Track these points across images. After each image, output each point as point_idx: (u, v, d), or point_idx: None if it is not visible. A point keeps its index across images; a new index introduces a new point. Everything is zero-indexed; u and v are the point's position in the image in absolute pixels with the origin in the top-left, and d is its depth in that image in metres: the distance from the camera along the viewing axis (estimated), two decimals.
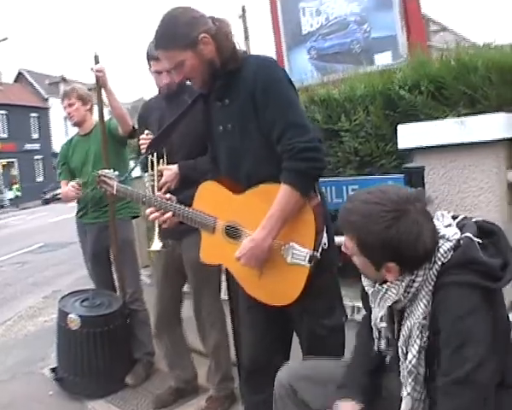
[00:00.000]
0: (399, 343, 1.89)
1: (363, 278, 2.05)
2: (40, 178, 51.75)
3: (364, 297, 2.14)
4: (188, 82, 3.40)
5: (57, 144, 45.35)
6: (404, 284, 1.82)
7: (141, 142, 3.41)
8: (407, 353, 1.85)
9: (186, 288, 3.73)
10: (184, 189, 3.05)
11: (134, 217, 4.59)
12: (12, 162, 48.86)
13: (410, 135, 3.10)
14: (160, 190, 3.24)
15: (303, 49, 7.33)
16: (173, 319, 3.75)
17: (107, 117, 4.30)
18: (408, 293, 1.83)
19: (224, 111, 2.56)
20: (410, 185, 2.98)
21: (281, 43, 7.57)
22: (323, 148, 2.41)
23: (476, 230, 1.84)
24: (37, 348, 5.45)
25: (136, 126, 3.84)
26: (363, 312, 2.27)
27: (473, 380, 1.61)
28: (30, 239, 16.29)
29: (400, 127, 3.14)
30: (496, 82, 3.15)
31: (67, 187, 4.24)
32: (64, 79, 52.02)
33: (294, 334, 2.75)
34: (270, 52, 7.47)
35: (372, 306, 2.04)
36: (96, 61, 3.95)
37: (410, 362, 1.82)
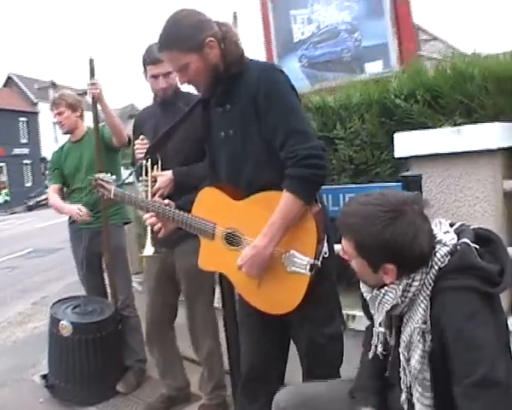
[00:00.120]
0: (401, 349, 1.88)
1: (361, 285, 2.04)
2: (29, 183, 51.47)
3: (365, 306, 2.13)
4: (182, 89, 3.43)
5: (46, 149, 45.32)
6: (401, 287, 1.81)
7: (136, 147, 3.39)
8: (409, 359, 1.84)
9: (181, 297, 3.70)
10: (182, 194, 3.03)
11: (125, 223, 4.57)
12: (0, 167, 48.61)
13: (406, 143, 3.09)
14: (153, 196, 3.22)
15: (294, 57, 7.31)
16: (165, 327, 3.73)
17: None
18: (405, 297, 1.82)
19: (225, 117, 2.54)
20: None
21: (271, 51, 7.55)
22: (326, 155, 2.39)
23: (473, 236, 1.85)
24: (26, 355, 5.40)
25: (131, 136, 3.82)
26: (357, 321, 2.26)
27: (490, 380, 1.61)
28: (19, 244, 16.18)
29: (397, 136, 3.14)
30: (492, 91, 3.17)
31: (74, 207, 4.22)
32: (53, 84, 51.97)
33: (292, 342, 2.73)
34: (261, 59, 7.44)
35: (372, 312, 2.04)
36: (91, 65, 3.91)
37: (415, 368, 1.81)
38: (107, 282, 4.51)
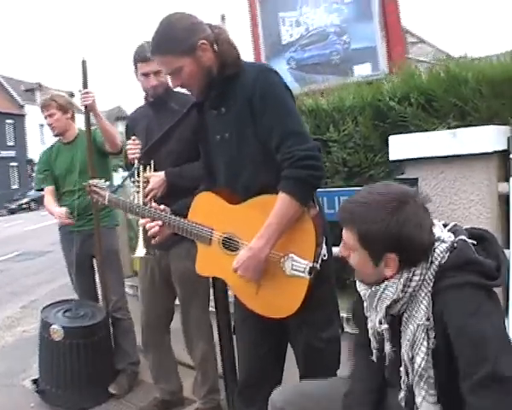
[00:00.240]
0: (404, 349, 1.86)
1: (358, 284, 2.02)
2: (15, 186, 51.18)
3: (357, 309, 2.11)
4: (174, 89, 3.42)
5: (33, 152, 45.10)
6: (402, 280, 1.81)
7: (128, 147, 3.37)
8: (413, 357, 1.83)
9: (177, 301, 3.67)
10: (175, 195, 3.01)
11: (116, 225, 4.54)
12: None
13: (402, 146, 3.10)
14: (145, 196, 3.21)
15: (282, 60, 7.33)
16: (161, 330, 3.70)
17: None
18: (405, 292, 1.81)
19: (220, 120, 2.52)
20: None
21: (260, 53, 7.56)
22: (322, 156, 2.38)
23: (468, 235, 1.86)
24: (16, 360, 5.33)
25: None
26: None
27: (498, 375, 1.60)
28: (7, 247, 16.02)
29: (392, 138, 3.14)
30: (486, 94, 3.18)
31: (59, 210, 4.19)
32: (40, 86, 51.72)
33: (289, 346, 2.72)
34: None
35: (368, 314, 2.02)
36: (84, 67, 3.86)
37: (420, 366, 1.80)
38: (98, 285, 4.47)
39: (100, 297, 4.49)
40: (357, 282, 2.03)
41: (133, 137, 3.37)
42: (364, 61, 6.56)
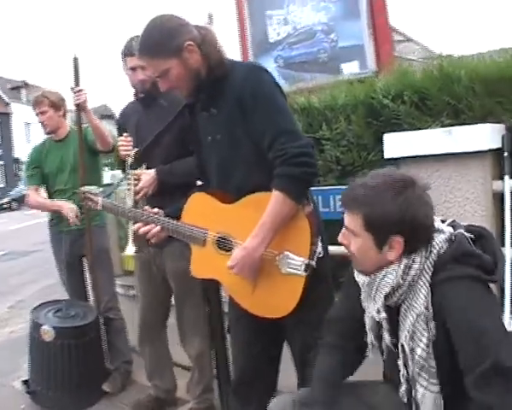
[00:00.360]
0: (403, 341, 1.85)
1: (356, 274, 2.01)
2: (2, 185, 50.81)
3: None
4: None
5: (19, 150, 44.80)
6: (401, 266, 1.80)
7: (119, 143, 3.35)
8: (413, 349, 1.82)
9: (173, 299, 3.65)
10: (170, 196, 3.00)
11: None
12: None
13: (396, 144, 3.09)
14: (136, 194, 3.20)
15: (270, 58, 7.31)
16: (157, 328, 3.67)
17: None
18: (405, 280, 1.81)
19: (211, 121, 2.50)
20: None
21: (247, 52, 7.55)
22: (315, 153, 2.36)
23: (465, 231, 1.86)
24: (5, 360, 5.26)
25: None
26: None
27: (500, 367, 1.60)
28: None
29: (387, 137, 3.13)
30: (480, 93, 3.18)
31: (68, 205, 4.11)
32: (26, 84, 51.42)
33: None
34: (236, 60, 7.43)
35: (365, 306, 2.00)
36: (75, 65, 3.81)
37: (421, 356, 1.79)
38: (89, 285, 4.44)
39: (90, 297, 4.46)
40: (355, 272, 2.01)
41: (125, 134, 3.34)
42: (352, 59, 6.56)
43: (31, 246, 13.59)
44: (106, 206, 2.98)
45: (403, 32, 11.57)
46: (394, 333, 1.91)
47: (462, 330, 1.67)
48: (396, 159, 3.15)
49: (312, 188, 2.47)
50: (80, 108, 3.85)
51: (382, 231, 1.80)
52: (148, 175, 3.25)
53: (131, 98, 3.54)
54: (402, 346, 1.86)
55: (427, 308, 1.77)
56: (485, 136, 2.85)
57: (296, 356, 2.60)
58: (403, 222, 1.75)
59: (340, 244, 1.97)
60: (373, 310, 1.94)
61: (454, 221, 1.93)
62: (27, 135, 48.48)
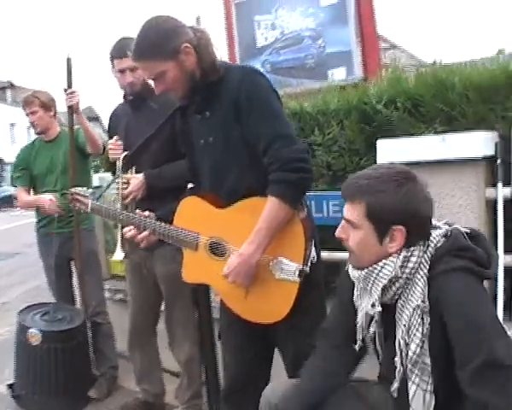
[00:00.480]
0: (399, 336, 1.84)
1: (350, 270, 1.99)
2: None
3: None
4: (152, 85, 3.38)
5: (3, 151, 44.33)
6: (400, 257, 1.80)
7: (109, 147, 3.31)
8: (407, 344, 1.81)
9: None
10: (160, 199, 2.97)
11: None
12: None
13: (390, 150, 3.08)
14: (125, 199, 3.17)
15: (257, 63, 7.27)
16: (148, 332, 3.63)
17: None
18: (403, 273, 1.80)
19: (204, 124, 2.47)
20: None
21: (234, 56, 7.53)
22: (311, 159, 2.35)
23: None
24: None
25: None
26: None
27: (495, 361, 1.59)
28: None
29: (380, 142, 3.13)
30: (473, 100, 3.19)
31: (46, 197, 4.05)
32: (12, 85, 50.93)
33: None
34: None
35: (359, 303, 1.99)
36: (69, 65, 3.75)
37: (414, 352, 1.78)
38: (76, 288, 4.39)
39: (78, 301, 4.40)
40: (349, 268, 1.99)
41: (115, 137, 3.31)
42: (339, 65, 6.56)
43: (16, 247, 13.39)
44: (95, 208, 2.93)
45: (389, 40, 11.63)
46: (391, 331, 1.89)
47: (459, 324, 1.66)
48: None
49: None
50: (73, 109, 3.80)
51: (385, 221, 1.80)
52: (136, 179, 3.21)
53: (118, 100, 3.51)
54: (399, 342, 1.84)
55: (423, 301, 1.76)
56: (479, 143, 2.86)
57: (288, 362, 2.57)
58: (406, 212, 1.76)
59: (332, 250, 1.96)
60: (368, 304, 1.92)
61: (447, 222, 1.93)
62: (12, 136, 47.94)
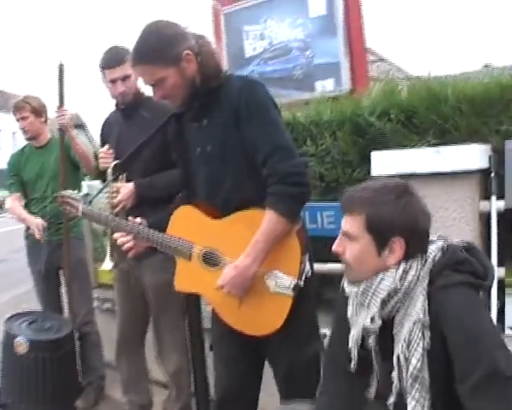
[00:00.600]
0: (398, 351, 1.81)
1: (346, 285, 1.96)
2: None
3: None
4: (144, 94, 3.35)
5: None
6: (399, 270, 1.78)
7: (101, 155, 3.29)
8: (407, 359, 1.79)
9: None
10: (150, 208, 2.96)
11: None
12: None
13: (384, 162, 3.08)
14: (114, 208, 3.14)
15: (244, 73, 7.30)
16: (136, 342, 3.59)
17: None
18: (402, 286, 1.78)
19: (201, 132, 2.44)
20: None
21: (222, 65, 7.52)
22: (308, 172, 2.34)
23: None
24: None
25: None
26: None
27: (495, 374, 1.58)
28: None
29: (374, 154, 3.13)
30: (466, 112, 3.20)
31: (37, 221, 4.01)
32: (1, 91, 50.60)
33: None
34: None
35: (353, 320, 1.95)
36: (60, 72, 3.72)
37: (415, 367, 1.76)
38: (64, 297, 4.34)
39: (65, 310, 4.36)
40: (345, 283, 1.97)
41: (106, 146, 3.29)
42: (327, 76, 6.56)
43: (1, 254, 13.31)
44: (86, 213, 2.88)
45: (376, 52, 11.68)
46: (387, 348, 1.87)
47: (459, 339, 1.65)
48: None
49: None
50: (64, 129, 3.79)
51: (384, 232, 1.79)
52: (126, 188, 3.19)
53: (106, 107, 3.51)
54: (398, 357, 1.83)
55: (424, 315, 1.74)
56: (473, 156, 2.87)
57: (280, 375, 2.54)
58: (405, 224, 1.76)
59: (325, 261, 1.95)
60: (366, 319, 1.89)
61: (440, 236, 1.92)
62: None
